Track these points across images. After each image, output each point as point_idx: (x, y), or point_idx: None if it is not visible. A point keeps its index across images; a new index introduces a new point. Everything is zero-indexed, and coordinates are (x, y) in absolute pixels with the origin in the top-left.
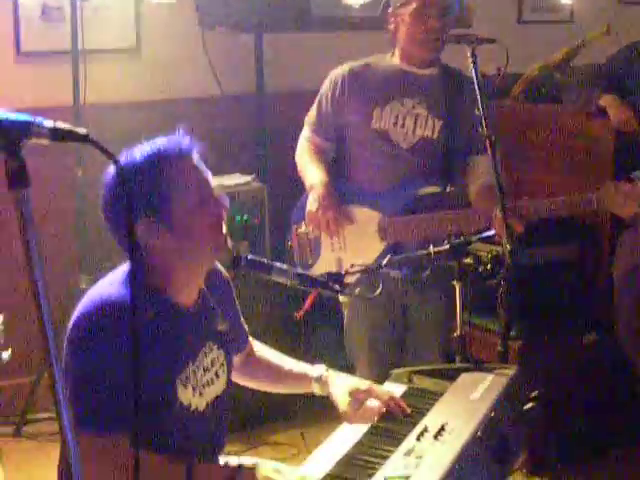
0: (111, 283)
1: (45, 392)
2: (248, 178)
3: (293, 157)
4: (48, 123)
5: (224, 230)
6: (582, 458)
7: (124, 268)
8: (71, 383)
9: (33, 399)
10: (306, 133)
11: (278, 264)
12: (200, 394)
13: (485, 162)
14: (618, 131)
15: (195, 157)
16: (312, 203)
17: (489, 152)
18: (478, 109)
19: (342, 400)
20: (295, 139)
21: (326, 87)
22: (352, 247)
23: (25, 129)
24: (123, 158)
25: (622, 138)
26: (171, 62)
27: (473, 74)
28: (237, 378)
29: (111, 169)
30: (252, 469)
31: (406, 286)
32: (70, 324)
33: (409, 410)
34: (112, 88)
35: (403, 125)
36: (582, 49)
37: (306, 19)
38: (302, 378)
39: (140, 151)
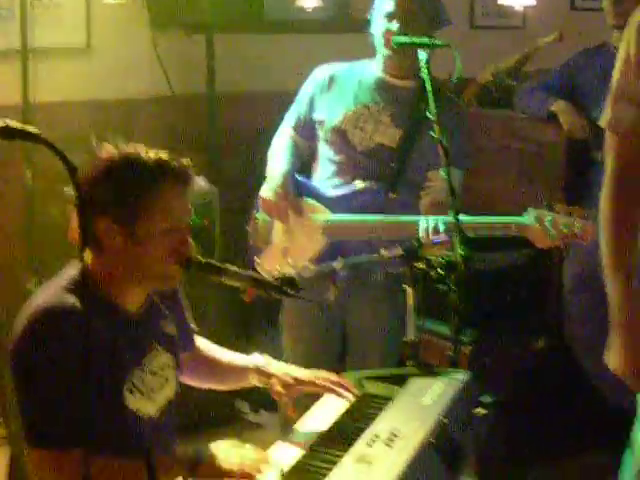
0: (55, 290)
1: None
2: (198, 179)
3: (244, 159)
4: None
5: (182, 263)
6: (531, 463)
7: (68, 272)
8: (19, 396)
9: None
10: (285, 127)
11: (230, 267)
12: (150, 399)
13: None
14: (570, 137)
15: (189, 190)
16: (266, 190)
17: (442, 155)
18: (429, 111)
19: (281, 385)
20: (246, 141)
21: (306, 84)
22: (297, 239)
23: None
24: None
25: (573, 144)
26: (122, 62)
27: (426, 78)
28: (183, 379)
29: (101, 159)
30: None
31: (350, 288)
32: (15, 335)
33: (356, 392)
34: (62, 87)
35: (363, 129)
36: (534, 55)
37: (258, 21)
38: (242, 371)
39: (147, 153)
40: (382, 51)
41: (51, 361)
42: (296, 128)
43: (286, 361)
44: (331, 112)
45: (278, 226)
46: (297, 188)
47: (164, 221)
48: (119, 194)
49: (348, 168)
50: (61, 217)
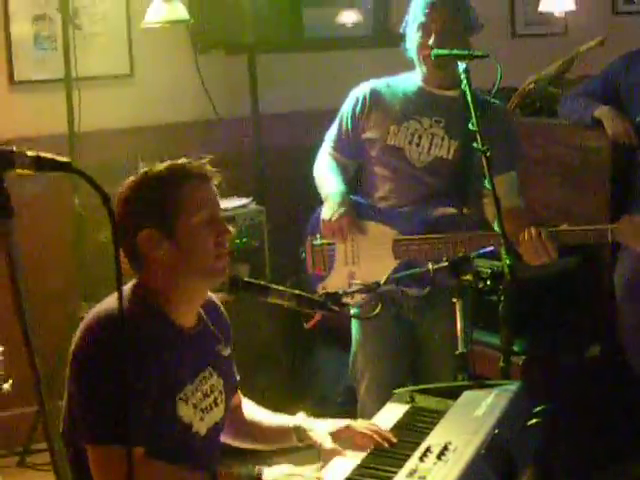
0: (113, 300)
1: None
2: (246, 201)
3: (290, 178)
4: (31, 153)
5: (226, 254)
6: (586, 473)
7: (127, 287)
8: (80, 397)
9: (36, 429)
10: (326, 148)
11: (275, 286)
12: (201, 419)
13: (505, 183)
14: (614, 143)
15: (214, 184)
16: (327, 211)
17: (484, 166)
18: (472, 124)
19: (325, 441)
20: (292, 159)
21: (347, 104)
22: (365, 262)
23: (7, 160)
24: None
25: (618, 150)
26: (165, 87)
27: (467, 89)
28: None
29: (128, 181)
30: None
31: (416, 302)
32: (75, 339)
33: (394, 440)
34: (107, 115)
35: (419, 144)
36: (576, 61)
37: (299, 39)
38: (284, 433)
39: (162, 165)
40: (421, 65)
41: (109, 362)
42: (339, 149)
43: (357, 379)
44: (381, 130)
45: (341, 249)
46: (356, 209)
47: (198, 214)
48: (149, 205)
49: (408, 185)
50: (110, 243)
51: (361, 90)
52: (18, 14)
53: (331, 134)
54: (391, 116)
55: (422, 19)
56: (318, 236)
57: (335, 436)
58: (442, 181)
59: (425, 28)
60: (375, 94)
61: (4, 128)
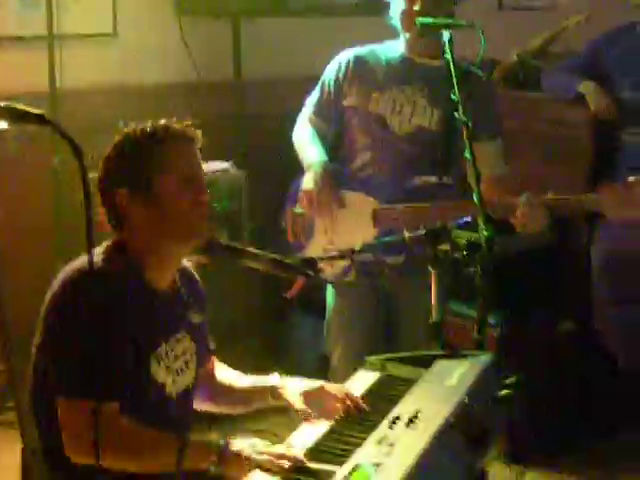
0: (86, 258)
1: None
2: (227, 165)
3: (272, 144)
4: (3, 104)
5: (205, 215)
6: (557, 447)
7: (101, 246)
8: (56, 350)
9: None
10: (307, 114)
11: (251, 249)
12: (173, 381)
13: (488, 151)
14: (597, 118)
15: (196, 146)
16: (308, 182)
17: (465, 139)
18: (454, 93)
19: (297, 401)
20: (274, 125)
21: (330, 70)
22: (344, 231)
23: None
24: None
25: (601, 125)
26: (148, 47)
27: (449, 58)
28: (197, 404)
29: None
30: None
31: (391, 271)
32: (52, 293)
33: (365, 406)
34: (89, 74)
35: (400, 112)
36: (561, 36)
37: (284, 5)
38: (258, 393)
39: (147, 125)
40: (405, 32)
41: (85, 316)
42: (319, 114)
43: (330, 347)
44: (363, 97)
45: (319, 220)
46: (336, 178)
47: (174, 174)
48: (128, 164)
49: (389, 153)
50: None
51: (345, 56)
52: None
53: (312, 99)
54: (373, 83)
55: None
56: (298, 205)
57: (307, 396)
58: (423, 150)
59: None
60: (358, 61)
61: None
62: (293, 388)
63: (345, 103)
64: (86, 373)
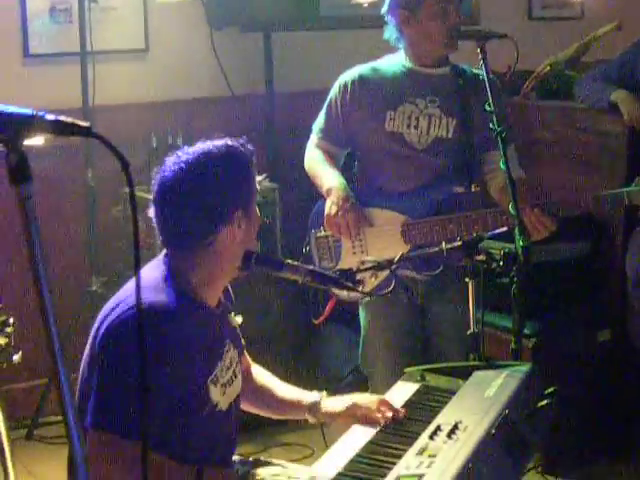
0: (151, 285)
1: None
2: (259, 178)
3: (303, 157)
4: (50, 116)
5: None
6: (595, 455)
7: (155, 269)
8: (100, 381)
9: (45, 402)
10: (315, 140)
11: (289, 261)
12: (224, 393)
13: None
14: (631, 127)
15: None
16: (331, 207)
17: (500, 148)
18: (489, 105)
19: (335, 417)
20: (305, 138)
21: (335, 92)
22: (374, 250)
23: (27, 122)
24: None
25: (635, 134)
26: (180, 63)
27: (483, 70)
28: None
29: (180, 159)
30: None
31: (425, 286)
32: (107, 323)
33: (404, 414)
34: (121, 89)
35: (417, 126)
36: (593, 45)
37: (315, 18)
38: (296, 406)
39: (214, 147)
40: (438, 47)
41: (145, 359)
42: (329, 138)
43: (368, 367)
44: (377, 117)
45: (347, 241)
46: (359, 198)
47: (254, 203)
48: (242, 185)
49: (412, 168)
50: (122, 218)
51: (348, 77)
52: None
53: (319, 124)
54: (385, 102)
55: (436, 7)
56: (322, 228)
57: (346, 412)
58: (445, 160)
59: (442, 14)
60: (363, 81)
61: (18, 101)
62: (332, 405)
63: (358, 125)
64: (123, 412)
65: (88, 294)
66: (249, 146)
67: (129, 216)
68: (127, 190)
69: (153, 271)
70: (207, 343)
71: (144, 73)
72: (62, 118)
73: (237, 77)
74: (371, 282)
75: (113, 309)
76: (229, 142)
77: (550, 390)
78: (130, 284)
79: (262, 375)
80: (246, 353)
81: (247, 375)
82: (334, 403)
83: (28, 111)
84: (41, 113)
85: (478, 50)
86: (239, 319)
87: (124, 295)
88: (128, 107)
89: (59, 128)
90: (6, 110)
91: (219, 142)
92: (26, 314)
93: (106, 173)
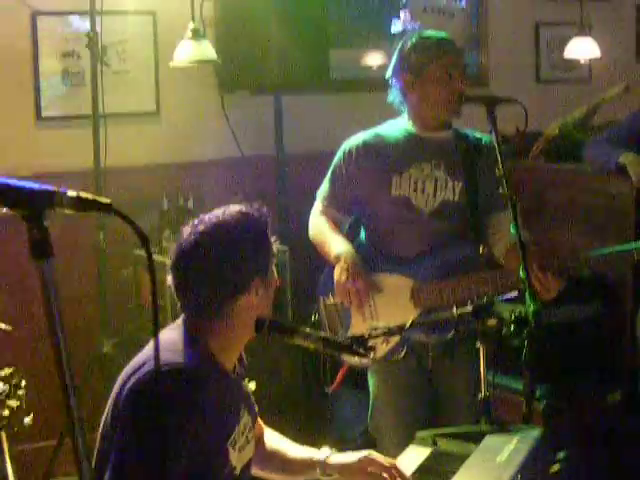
0: (173, 349)
1: (67, 456)
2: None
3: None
4: (71, 193)
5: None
6: None
7: (175, 331)
8: (123, 441)
9: (55, 463)
10: (319, 207)
11: (302, 328)
12: (239, 457)
13: (506, 219)
14: (639, 189)
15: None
16: (340, 274)
17: (511, 212)
18: (499, 169)
19: (346, 473)
20: (314, 200)
21: (339, 159)
22: (384, 315)
23: (48, 199)
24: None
25: None
26: (191, 125)
27: (493, 135)
28: None
29: (197, 229)
30: None
31: (435, 350)
32: (130, 383)
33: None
34: (132, 151)
35: (423, 190)
36: (601, 107)
37: (325, 80)
38: (307, 465)
39: (229, 216)
40: (439, 114)
41: (168, 422)
42: (334, 205)
43: (378, 432)
44: (383, 182)
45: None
46: (367, 263)
47: (273, 272)
48: (262, 253)
49: (420, 232)
50: (132, 280)
51: (352, 143)
52: (47, 50)
53: (323, 191)
54: (390, 167)
55: (438, 71)
56: (331, 295)
57: (356, 468)
58: (452, 223)
59: (444, 78)
60: (367, 147)
61: (31, 163)
62: (342, 461)
63: (364, 191)
64: (144, 474)
65: (99, 355)
66: (264, 210)
67: (140, 277)
68: (138, 252)
69: (172, 334)
70: (226, 406)
71: (155, 135)
72: (83, 195)
73: (247, 139)
74: (382, 348)
75: (137, 370)
76: (244, 209)
77: (562, 455)
78: (151, 345)
79: (273, 438)
80: (259, 419)
81: (260, 440)
82: (346, 456)
83: (50, 187)
84: (62, 190)
85: (487, 115)
86: (252, 385)
87: (146, 356)
88: (139, 169)
89: (80, 205)
90: (28, 186)
91: (234, 210)
92: (36, 376)
93: (117, 235)
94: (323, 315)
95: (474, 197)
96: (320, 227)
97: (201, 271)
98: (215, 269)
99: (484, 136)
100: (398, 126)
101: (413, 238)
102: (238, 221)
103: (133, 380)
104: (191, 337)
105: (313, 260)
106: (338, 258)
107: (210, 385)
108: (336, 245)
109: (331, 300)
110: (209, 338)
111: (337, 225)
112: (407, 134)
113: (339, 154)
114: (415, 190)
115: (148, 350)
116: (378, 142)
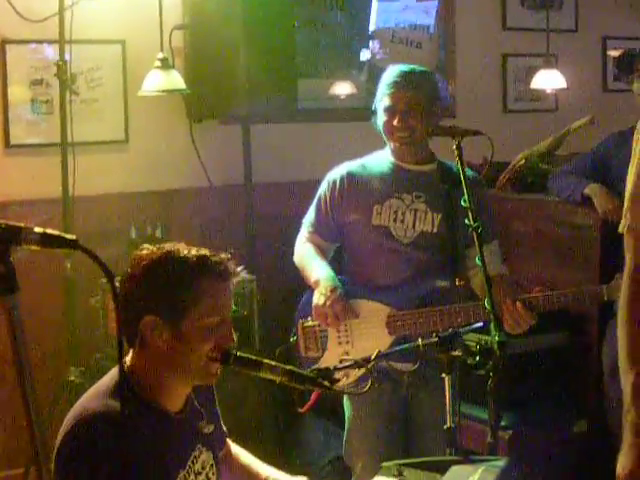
0: (98, 394)
1: None
2: (237, 269)
3: (281, 247)
4: (38, 230)
5: (219, 362)
6: None
7: (112, 375)
8: None
9: None
10: (305, 234)
11: (267, 361)
12: None
13: (489, 252)
14: (604, 220)
15: (231, 284)
16: (319, 297)
17: (476, 243)
18: (464, 201)
19: None
20: (284, 229)
21: (324, 189)
22: (359, 340)
23: (15, 236)
24: (168, 247)
25: (608, 227)
26: (160, 154)
27: (459, 165)
28: None
29: (142, 257)
30: None
31: (410, 376)
32: (58, 441)
33: None
34: (101, 180)
35: (403, 220)
36: (567, 138)
37: (292, 110)
38: None
39: (186, 251)
40: (390, 143)
41: (92, 470)
42: (319, 232)
43: (352, 458)
44: (365, 211)
45: (333, 330)
46: (346, 290)
47: (209, 317)
48: (165, 292)
49: (397, 262)
50: (100, 309)
51: (337, 173)
52: (16, 78)
53: (309, 218)
54: (372, 196)
55: (387, 101)
56: (309, 318)
57: None
58: (430, 255)
59: (390, 109)
60: (351, 177)
61: None
62: None
63: (346, 219)
64: None
65: (66, 384)
66: (214, 259)
67: (107, 306)
68: (104, 280)
69: (111, 375)
70: (160, 449)
71: (124, 164)
72: (49, 231)
73: (216, 168)
74: (354, 374)
75: (67, 420)
76: (177, 250)
77: None
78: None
79: (247, 457)
80: (228, 441)
81: (230, 459)
82: None
83: (16, 225)
84: (29, 226)
85: (454, 147)
86: (210, 428)
87: (78, 403)
88: (108, 197)
89: (46, 241)
90: None
91: (169, 248)
92: (1, 405)
93: (85, 263)
94: (301, 337)
95: (453, 230)
96: (303, 253)
97: (121, 293)
98: (128, 294)
99: (467, 170)
100: (383, 157)
101: (392, 267)
102: (160, 257)
103: (60, 434)
104: (126, 376)
105: (281, 289)
106: (317, 282)
107: (132, 428)
108: (316, 270)
109: (309, 322)
110: (145, 375)
111: (322, 251)
112: (391, 165)
113: (324, 183)
114: (395, 220)
115: (83, 397)
116: (362, 172)
